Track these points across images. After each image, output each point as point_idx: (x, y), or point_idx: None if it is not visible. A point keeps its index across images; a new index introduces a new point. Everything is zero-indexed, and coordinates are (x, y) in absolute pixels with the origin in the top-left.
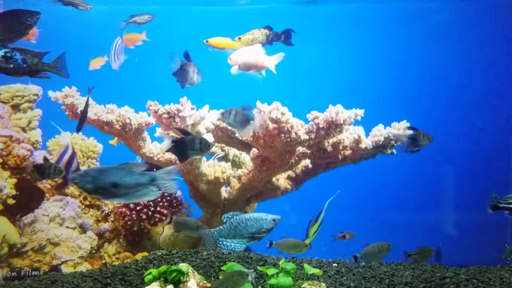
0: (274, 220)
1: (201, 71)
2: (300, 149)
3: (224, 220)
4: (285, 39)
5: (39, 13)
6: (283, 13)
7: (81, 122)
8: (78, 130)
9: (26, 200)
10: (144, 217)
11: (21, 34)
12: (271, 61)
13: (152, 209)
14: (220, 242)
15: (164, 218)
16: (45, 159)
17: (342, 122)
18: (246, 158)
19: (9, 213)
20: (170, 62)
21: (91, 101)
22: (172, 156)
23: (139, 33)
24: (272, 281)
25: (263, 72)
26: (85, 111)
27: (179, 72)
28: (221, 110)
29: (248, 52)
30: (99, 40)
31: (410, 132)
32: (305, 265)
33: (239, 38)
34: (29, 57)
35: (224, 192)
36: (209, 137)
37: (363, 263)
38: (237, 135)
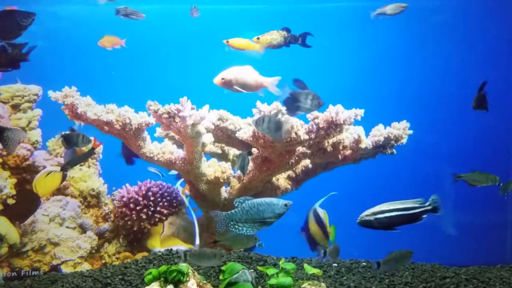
0: (285, 205)
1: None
2: (300, 149)
3: (236, 205)
4: (302, 42)
5: (34, 14)
6: (283, 12)
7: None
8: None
9: (24, 205)
10: (144, 217)
11: (16, 35)
12: (272, 83)
13: (152, 209)
14: (232, 226)
15: (164, 218)
16: (72, 129)
17: (342, 122)
18: None
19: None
20: (281, 93)
21: (91, 101)
22: (172, 156)
23: (120, 39)
24: (272, 281)
25: (260, 93)
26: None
27: (289, 100)
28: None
29: (246, 72)
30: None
31: (410, 132)
32: (305, 265)
33: (258, 38)
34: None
35: (224, 192)
36: (209, 137)
37: (372, 267)
38: (237, 134)
